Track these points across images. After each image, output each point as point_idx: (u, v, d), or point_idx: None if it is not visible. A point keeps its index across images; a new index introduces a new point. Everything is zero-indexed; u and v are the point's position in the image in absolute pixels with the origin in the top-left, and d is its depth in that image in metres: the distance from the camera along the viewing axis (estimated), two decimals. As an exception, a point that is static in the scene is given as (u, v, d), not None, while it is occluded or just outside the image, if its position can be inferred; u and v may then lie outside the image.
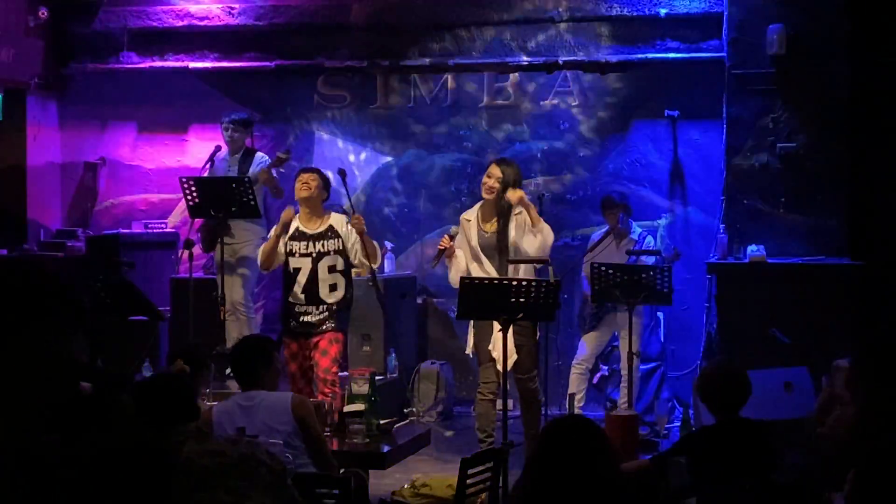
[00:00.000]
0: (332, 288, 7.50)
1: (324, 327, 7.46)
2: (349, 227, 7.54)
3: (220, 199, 8.20)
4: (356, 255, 7.52)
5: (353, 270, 7.65)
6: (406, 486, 6.40)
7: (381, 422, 6.24)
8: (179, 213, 9.97)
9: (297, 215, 7.64)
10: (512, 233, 7.15)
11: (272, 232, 7.64)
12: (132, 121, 10.42)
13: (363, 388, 6.25)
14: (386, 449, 6.03)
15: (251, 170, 8.95)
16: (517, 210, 7.16)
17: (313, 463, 5.30)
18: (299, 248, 7.54)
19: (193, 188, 8.25)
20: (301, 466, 5.15)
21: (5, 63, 9.53)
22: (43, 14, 9.78)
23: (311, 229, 7.57)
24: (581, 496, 3.17)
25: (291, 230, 7.57)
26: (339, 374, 7.51)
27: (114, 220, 10.21)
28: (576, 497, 3.17)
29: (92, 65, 10.31)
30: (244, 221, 8.75)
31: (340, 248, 7.53)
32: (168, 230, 9.94)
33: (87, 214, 10.45)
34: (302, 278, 7.50)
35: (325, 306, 7.48)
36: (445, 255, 7.22)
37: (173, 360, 6.04)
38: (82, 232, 10.04)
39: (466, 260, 7.25)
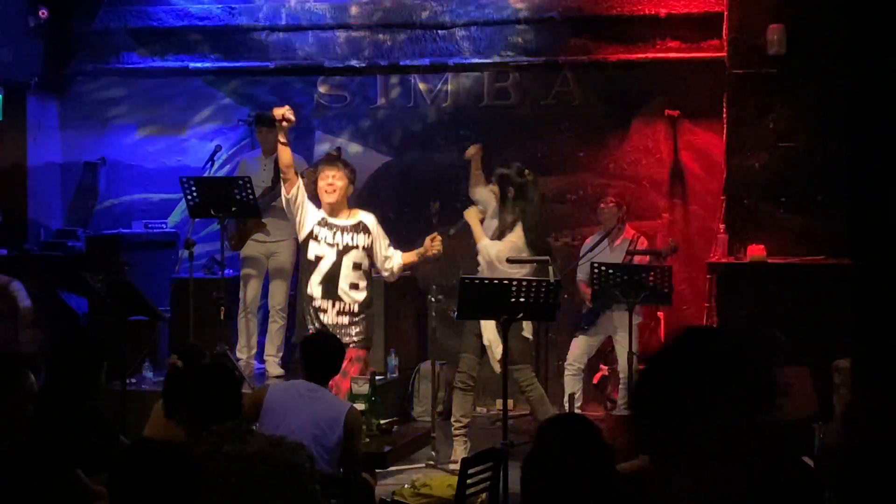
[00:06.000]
0: (354, 287, 6.98)
1: (347, 340, 6.78)
2: (379, 227, 7.11)
3: (220, 199, 8.19)
4: (380, 257, 7.06)
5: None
6: (406, 486, 6.41)
7: (381, 422, 6.24)
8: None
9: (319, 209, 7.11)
10: None
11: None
12: (132, 121, 10.41)
13: (363, 389, 6.25)
14: (386, 449, 6.03)
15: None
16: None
17: (343, 472, 5.33)
18: (325, 237, 6.99)
19: (193, 188, 8.25)
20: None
21: (5, 63, 9.53)
22: (43, 14, 9.77)
23: (339, 220, 7.04)
24: (577, 495, 3.15)
25: (318, 218, 7.03)
26: None
27: (114, 220, 10.20)
28: (572, 497, 3.15)
29: (92, 65, 10.31)
30: (277, 219, 8.69)
31: (369, 245, 7.03)
32: (168, 230, 9.92)
33: (87, 214, 10.44)
34: (323, 267, 6.96)
35: (345, 306, 6.96)
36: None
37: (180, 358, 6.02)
38: (82, 232, 10.03)
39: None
